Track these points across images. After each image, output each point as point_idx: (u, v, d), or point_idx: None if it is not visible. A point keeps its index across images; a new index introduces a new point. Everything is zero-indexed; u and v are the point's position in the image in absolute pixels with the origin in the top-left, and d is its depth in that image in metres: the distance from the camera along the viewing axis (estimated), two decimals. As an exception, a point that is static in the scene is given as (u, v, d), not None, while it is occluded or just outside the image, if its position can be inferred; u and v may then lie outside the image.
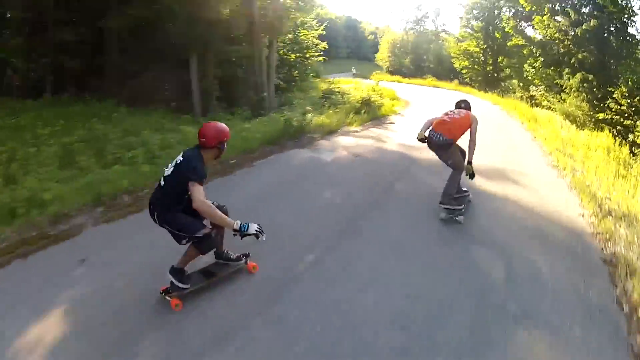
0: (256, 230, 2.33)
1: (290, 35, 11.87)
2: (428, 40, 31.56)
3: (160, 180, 2.44)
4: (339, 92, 11.06)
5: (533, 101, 15.06)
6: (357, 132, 7.38)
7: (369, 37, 45.83)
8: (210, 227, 2.46)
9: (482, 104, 13.77)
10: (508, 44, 18.73)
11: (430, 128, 3.73)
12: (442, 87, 21.02)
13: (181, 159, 2.40)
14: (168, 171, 2.40)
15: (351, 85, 14.01)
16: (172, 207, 2.41)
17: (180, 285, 2.57)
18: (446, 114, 3.82)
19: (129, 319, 2.29)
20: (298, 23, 11.75)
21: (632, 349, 2.27)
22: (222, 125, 2.49)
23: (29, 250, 2.95)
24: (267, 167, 4.96)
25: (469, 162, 3.64)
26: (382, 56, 33.33)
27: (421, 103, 12.62)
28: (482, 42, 21.73)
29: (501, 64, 21.40)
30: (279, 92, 10.40)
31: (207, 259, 2.69)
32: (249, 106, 8.65)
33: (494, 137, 7.36)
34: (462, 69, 23.24)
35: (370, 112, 9.06)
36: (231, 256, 2.86)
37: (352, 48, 43.67)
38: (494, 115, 11.34)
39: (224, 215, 2.34)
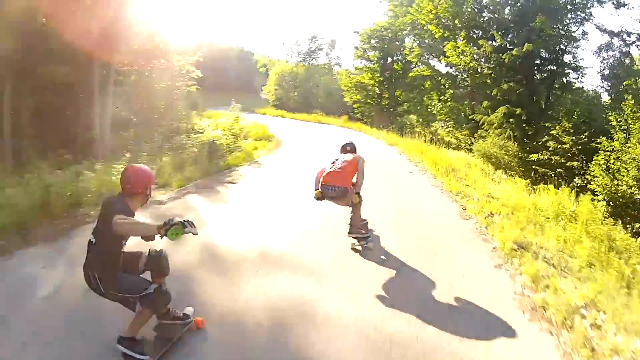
0: (183, 221, 2.10)
1: (162, 61, 10.07)
2: (319, 73, 30.31)
3: (90, 239, 2.28)
4: (193, 130, 9.41)
5: (436, 138, 14.29)
6: (160, 204, 4.93)
7: (261, 70, 44.35)
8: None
9: (374, 144, 11.73)
10: (409, 75, 18.27)
11: (321, 183, 3.92)
12: (329, 123, 19.59)
13: (104, 205, 2.28)
14: (96, 225, 2.20)
15: (223, 120, 13.07)
16: (111, 266, 2.29)
17: (139, 357, 2.33)
18: (333, 163, 4.04)
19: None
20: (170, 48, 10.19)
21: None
22: (146, 168, 2.44)
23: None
24: None
25: (357, 193, 3.89)
26: (269, 88, 31.32)
27: (297, 143, 11.02)
28: (377, 75, 21.07)
29: (399, 98, 20.88)
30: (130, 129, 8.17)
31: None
32: (73, 150, 6.66)
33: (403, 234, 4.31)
34: (353, 103, 22.34)
35: (213, 162, 7.14)
36: (178, 314, 2.59)
37: (243, 80, 42.00)
38: (392, 165, 8.50)
39: (145, 222, 2.36)
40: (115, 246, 2.22)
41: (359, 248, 3.90)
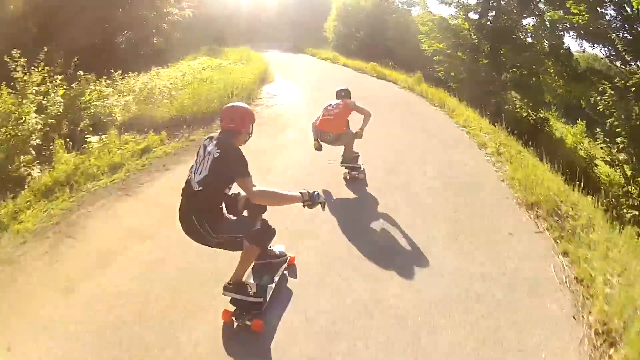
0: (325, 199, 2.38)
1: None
2: (392, 12, 23.93)
3: (190, 187, 2.35)
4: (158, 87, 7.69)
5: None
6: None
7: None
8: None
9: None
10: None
11: (317, 130, 4.58)
12: (391, 81, 12.83)
13: (218, 151, 2.31)
14: (201, 173, 2.32)
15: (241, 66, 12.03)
16: (219, 211, 2.41)
17: (254, 299, 2.49)
18: (327, 109, 4.62)
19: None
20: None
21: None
22: (248, 106, 2.60)
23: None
24: None
25: (361, 129, 4.49)
26: (329, 25, 25.36)
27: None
28: (474, 20, 13.40)
29: (504, 59, 12.87)
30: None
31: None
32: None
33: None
34: (433, 55, 14.70)
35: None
36: (275, 252, 2.86)
37: (316, 16, 34.84)
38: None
39: (286, 192, 2.37)
40: (222, 194, 2.39)
41: (348, 177, 4.73)
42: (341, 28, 23.74)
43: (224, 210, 2.38)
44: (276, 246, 2.85)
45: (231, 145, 2.31)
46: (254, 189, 2.22)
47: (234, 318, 2.41)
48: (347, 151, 4.59)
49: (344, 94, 4.76)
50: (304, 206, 2.31)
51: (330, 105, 4.57)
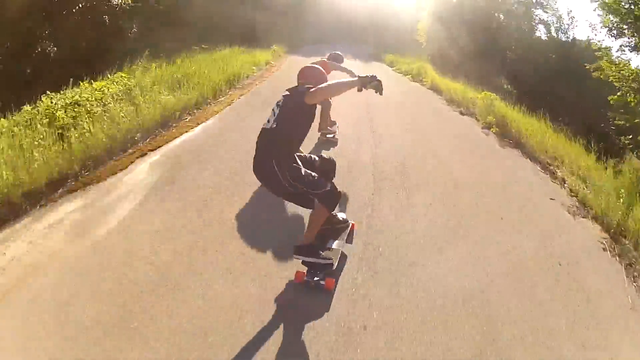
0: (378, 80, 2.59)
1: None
2: (513, 14, 18.54)
3: (264, 132, 2.71)
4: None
5: None
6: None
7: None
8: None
9: None
10: None
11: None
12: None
13: (287, 93, 2.78)
14: (275, 115, 2.70)
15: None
16: (293, 153, 2.72)
17: (325, 261, 2.68)
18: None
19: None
20: None
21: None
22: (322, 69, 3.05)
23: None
24: None
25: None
26: (422, 26, 20.61)
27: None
28: None
29: None
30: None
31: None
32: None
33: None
34: (619, 111, 10.48)
35: None
36: (340, 218, 3.13)
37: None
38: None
39: (344, 82, 2.58)
40: (299, 132, 2.71)
41: (324, 138, 5.70)
42: (437, 29, 18.81)
43: (301, 165, 2.76)
44: (339, 214, 3.23)
45: (298, 89, 2.78)
46: (311, 90, 2.60)
47: (306, 278, 2.67)
48: (323, 117, 5.60)
49: (331, 57, 5.95)
50: (359, 90, 2.60)
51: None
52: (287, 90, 2.85)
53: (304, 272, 2.69)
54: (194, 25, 15.52)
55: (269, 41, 16.04)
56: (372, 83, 2.52)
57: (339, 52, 5.98)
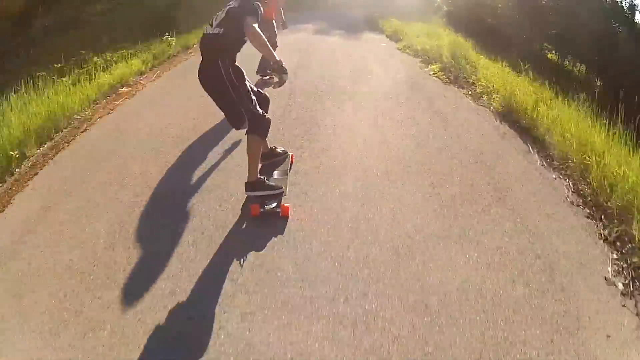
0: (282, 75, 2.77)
1: None
2: None
3: (208, 35, 2.81)
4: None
5: None
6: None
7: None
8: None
9: None
10: None
11: None
12: None
13: (225, 8, 2.85)
14: (218, 19, 2.80)
15: None
16: (233, 53, 2.82)
17: (274, 191, 2.84)
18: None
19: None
20: None
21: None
22: None
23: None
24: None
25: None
26: None
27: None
28: None
29: None
30: None
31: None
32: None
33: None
34: None
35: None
36: (279, 150, 3.42)
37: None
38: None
39: (272, 51, 2.76)
40: (241, 38, 2.80)
41: (262, 80, 6.13)
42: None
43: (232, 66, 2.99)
44: (279, 148, 3.55)
45: (245, 7, 2.80)
46: (255, 27, 2.69)
47: (261, 210, 2.83)
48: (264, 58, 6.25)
49: None
50: (271, 69, 3.07)
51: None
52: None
53: (258, 205, 2.89)
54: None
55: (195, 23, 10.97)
56: (281, 74, 2.72)
57: None
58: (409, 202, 3.09)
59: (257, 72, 6.24)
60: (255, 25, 2.68)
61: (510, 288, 2.36)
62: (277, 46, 6.00)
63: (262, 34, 2.69)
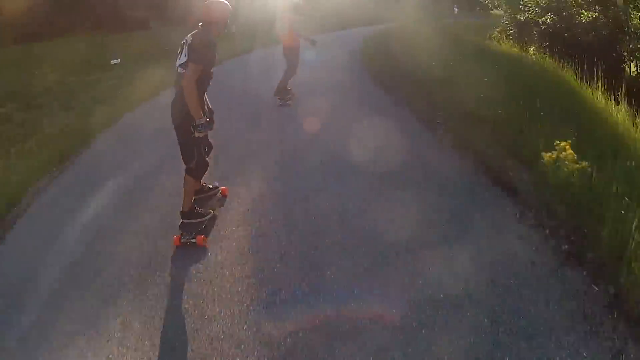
0: (199, 133, 2.98)
1: None
2: None
3: (175, 73, 3.05)
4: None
5: None
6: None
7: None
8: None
9: None
10: None
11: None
12: None
13: (190, 39, 2.98)
14: (180, 59, 2.97)
15: None
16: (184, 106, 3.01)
17: (201, 218, 3.18)
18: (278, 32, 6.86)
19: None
20: None
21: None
22: (222, 2, 3.11)
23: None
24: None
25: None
26: None
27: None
28: None
29: None
30: None
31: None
32: None
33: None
34: None
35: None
36: (210, 186, 3.71)
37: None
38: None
39: (199, 105, 2.94)
40: (200, 80, 2.98)
41: (280, 104, 6.72)
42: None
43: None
44: (213, 183, 3.90)
45: (200, 32, 3.08)
46: (190, 79, 2.88)
47: (182, 240, 3.11)
48: (282, 82, 6.57)
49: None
50: (192, 124, 3.00)
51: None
52: (191, 34, 3.05)
53: (179, 236, 3.15)
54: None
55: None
56: (198, 129, 2.90)
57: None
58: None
59: (275, 95, 6.65)
60: (194, 76, 2.82)
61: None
62: (295, 74, 6.58)
63: (194, 91, 2.82)
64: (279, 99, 6.69)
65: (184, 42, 3.07)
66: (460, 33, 13.06)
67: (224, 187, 3.94)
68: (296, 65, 6.61)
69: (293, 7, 6.51)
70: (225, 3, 3.17)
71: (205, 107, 3.24)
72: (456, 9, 28.05)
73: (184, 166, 3.30)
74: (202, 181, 3.58)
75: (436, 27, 13.64)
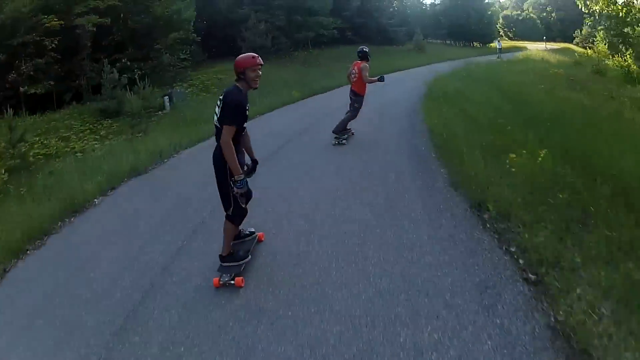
0: (239, 189, 3.29)
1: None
2: None
3: (215, 120, 3.35)
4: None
5: None
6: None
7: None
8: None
9: None
10: None
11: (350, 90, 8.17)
12: None
13: (221, 97, 3.29)
14: (217, 115, 3.31)
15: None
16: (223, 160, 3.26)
17: (243, 261, 3.50)
18: (350, 75, 7.66)
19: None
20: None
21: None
22: (248, 54, 3.34)
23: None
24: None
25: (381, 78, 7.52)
26: None
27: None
28: None
29: None
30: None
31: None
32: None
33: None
34: None
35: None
36: (247, 232, 4.00)
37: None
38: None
39: (237, 163, 3.22)
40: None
41: (335, 143, 7.54)
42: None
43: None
44: (248, 228, 4.16)
45: (231, 91, 3.33)
46: (225, 139, 3.21)
47: (220, 281, 3.45)
48: (343, 121, 7.49)
49: (361, 55, 7.54)
50: (231, 180, 3.35)
51: (351, 70, 7.67)
52: (225, 90, 3.35)
53: (218, 278, 3.49)
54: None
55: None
56: (238, 187, 3.21)
57: (363, 49, 7.68)
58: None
59: (333, 131, 7.55)
60: (229, 136, 3.14)
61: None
62: (355, 118, 7.62)
63: (231, 148, 3.13)
64: (335, 137, 7.54)
65: (220, 98, 3.35)
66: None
67: (261, 233, 4.22)
68: (359, 110, 7.60)
69: (367, 61, 7.48)
70: (248, 55, 3.31)
71: (245, 159, 3.63)
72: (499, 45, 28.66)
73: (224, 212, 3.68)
74: (241, 227, 3.91)
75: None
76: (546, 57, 23.73)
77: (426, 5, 51.50)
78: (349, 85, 7.64)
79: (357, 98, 7.59)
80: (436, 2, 49.49)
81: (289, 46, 25.97)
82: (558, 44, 52.73)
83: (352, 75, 7.49)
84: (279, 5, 24.88)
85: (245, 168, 3.62)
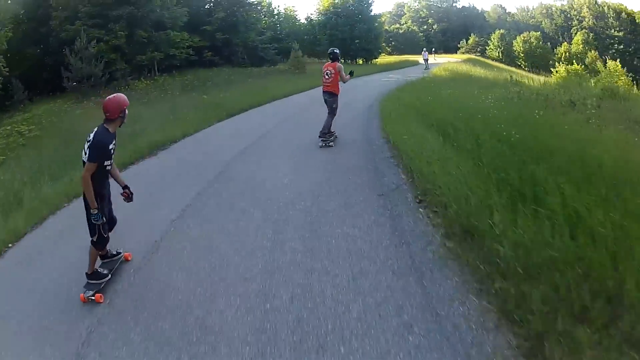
0: (95, 222, 4.29)
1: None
2: None
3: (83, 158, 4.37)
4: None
5: None
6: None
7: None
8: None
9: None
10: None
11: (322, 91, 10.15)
12: None
13: (90, 137, 4.25)
14: (84, 155, 4.26)
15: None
16: (96, 191, 4.26)
17: (101, 279, 4.37)
18: (324, 76, 9.39)
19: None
20: None
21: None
22: (121, 95, 4.42)
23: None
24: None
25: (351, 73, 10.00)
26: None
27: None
28: None
29: None
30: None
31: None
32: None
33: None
34: None
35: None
36: (114, 252, 4.96)
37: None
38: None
39: (93, 197, 4.18)
40: (97, 179, 4.24)
41: (322, 145, 9.33)
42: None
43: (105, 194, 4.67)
44: (116, 248, 5.13)
45: (99, 132, 4.32)
46: (84, 174, 4.18)
47: (85, 297, 4.38)
48: (327, 123, 9.32)
49: (332, 57, 9.41)
50: (90, 213, 4.31)
51: (325, 72, 9.40)
52: (95, 131, 4.30)
53: (83, 294, 4.38)
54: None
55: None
56: (93, 221, 4.26)
57: (334, 50, 9.66)
58: None
59: (319, 136, 9.39)
60: (88, 173, 4.10)
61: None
62: (335, 115, 9.65)
63: (89, 182, 4.12)
64: (322, 140, 9.36)
65: (88, 138, 4.34)
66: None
67: (127, 253, 5.16)
68: (336, 109, 9.42)
69: (338, 61, 9.52)
70: (120, 95, 4.44)
71: (105, 192, 4.55)
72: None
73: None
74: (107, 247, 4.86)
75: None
76: (475, 72, 28.39)
77: (299, 20, 56.46)
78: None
79: (333, 99, 9.45)
80: (312, 17, 52.51)
81: (129, 73, 25.65)
82: (450, 55, 62.95)
83: (327, 76, 9.30)
84: (117, 16, 24.21)
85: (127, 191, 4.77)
